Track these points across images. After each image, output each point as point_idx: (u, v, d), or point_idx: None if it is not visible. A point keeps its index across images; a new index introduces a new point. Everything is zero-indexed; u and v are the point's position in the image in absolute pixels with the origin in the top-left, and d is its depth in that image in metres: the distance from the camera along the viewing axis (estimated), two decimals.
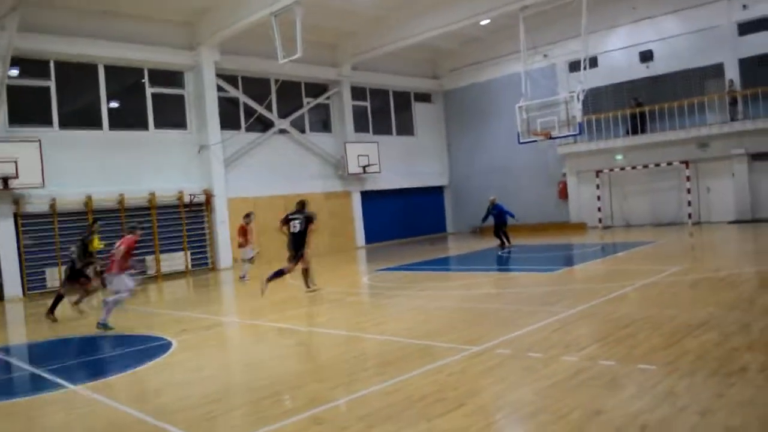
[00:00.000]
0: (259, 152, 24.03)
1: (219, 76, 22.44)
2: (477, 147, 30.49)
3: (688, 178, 23.93)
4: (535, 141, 21.66)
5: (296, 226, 13.16)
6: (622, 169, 25.62)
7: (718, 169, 23.76)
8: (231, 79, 23.31)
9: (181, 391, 6.89)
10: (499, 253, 19.67)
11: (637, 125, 24.90)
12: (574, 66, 24.89)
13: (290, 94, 25.30)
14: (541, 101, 21.16)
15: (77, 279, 12.75)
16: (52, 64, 18.93)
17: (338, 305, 12.42)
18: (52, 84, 18.95)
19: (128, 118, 20.79)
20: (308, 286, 13.64)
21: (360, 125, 27.92)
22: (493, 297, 11.78)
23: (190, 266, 21.16)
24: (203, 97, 21.78)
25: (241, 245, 17.52)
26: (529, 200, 27.60)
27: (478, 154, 30.47)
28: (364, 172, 26.39)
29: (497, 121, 28.66)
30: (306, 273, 13.64)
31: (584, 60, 19.76)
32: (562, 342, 7.50)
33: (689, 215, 23.94)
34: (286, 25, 18.59)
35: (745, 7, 22.54)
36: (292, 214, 13.37)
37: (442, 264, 18.84)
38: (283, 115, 24.92)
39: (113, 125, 20.20)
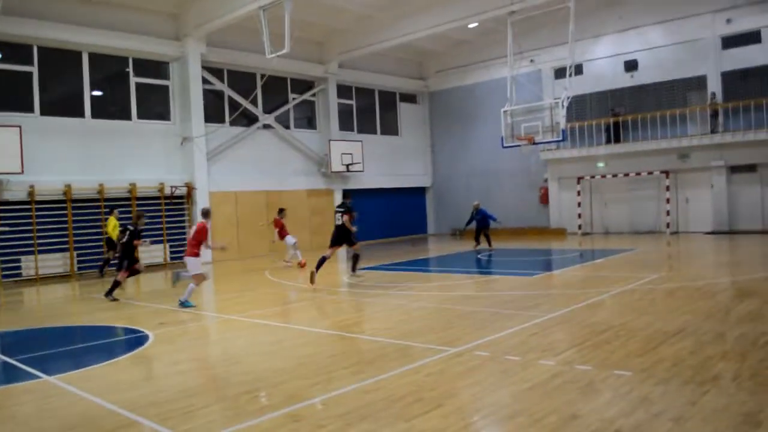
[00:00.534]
0: (242, 147, 23.91)
1: (205, 68, 22.31)
2: (461, 149, 30.59)
3: (667, 188, 24.26)
4: (519, 146, 21.78)
5: (338, 218, 14.74)
6: (603, 176, 25.87)
7: (697, 180, 24.07)
8: (217, 72, 23.18)
9: (156, 385, 6.83)
10: (479, 255, 19.76)
11: (617, 134, 25.23)
12: (560, 72, 25.08)
13: (276, 89, 25.22)
14: (525, 106, 21.30)
15: (125, 262, 13.55)
16: (35, 50, 18.68)
17: (318, 303, 12.40)
18: (34, 70, 18.69)
19: (111, 108, 20.61)
20: (354, 271, 15.13)
21: (345, 123, 27.91)
22: (472, 299, 11.82)
23: (169, 259, 21.00)
24: (188, 89, 21.62)
25: (282, 236, 19.05)
26: (510, 204, 27.77)
27: (461, 156, 30.57)
28: (348, 170, 26.36)
29: (482, 124, 28.79)
30: (356, 259, 15.14)
31: (570, 67, 19.91)
32: (539, 346, 7.55)
33: (668, 224, 24.26)
34: (275, 20, 18.51)
35: (729, 21, 22.87)
36: (338, 207, 15.08)
37: (422, 265, 18.87)
38: (268, 110, 24.83)
39: (96, 114, 20.00)
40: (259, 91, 24.16)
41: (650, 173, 24.67)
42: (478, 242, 21.56)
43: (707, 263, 16.46)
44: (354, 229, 14.61)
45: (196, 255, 12.23)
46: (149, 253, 20.24)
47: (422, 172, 31.79)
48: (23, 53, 18.53)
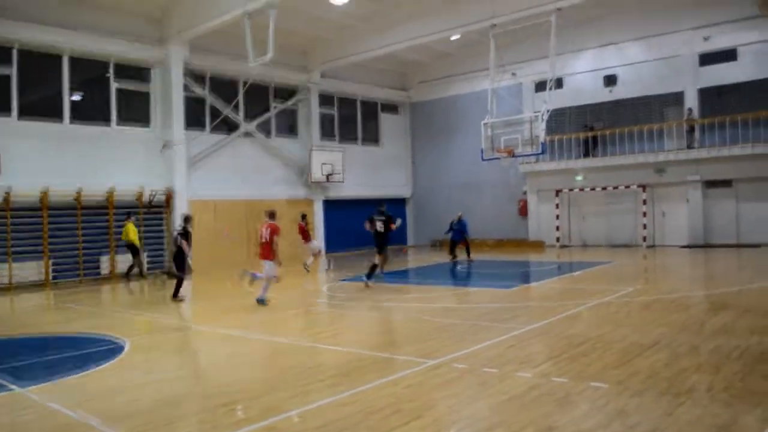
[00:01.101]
0: (223, 154, 23.80)
1: (187, 73, 22.20)
2: (441, 161, 30.72)
3: (644, 202, 24.58)
4: (499, 158, 21.90)
5: (381, 226, 15.39)
6: (582, 189, 26.12)
7: (673, 194, 24.40)
8: (199, 78, 23.08)
9: (131, 395, 6.74)
10: (459, 267, 19.82)
11: (594, 148, 25.63)
12: (540, 86, 25.28)
13: (258, 97, 25.17)
14: (506, 119, 21.43)
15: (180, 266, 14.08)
16: (15, 52, 18.42)
17: (297, 315, 12.36)
18: (13, 72, 18.41)
19: (90, 112, 20.37)
20: (368, 278, 15.33)
21: (326, 132, 27.93)
22: (450, 311, 11.85)
23: (146, 267, 20.75)
24: (169, 95, 21.48)
25: (306, 240, 19.90)
26: (489, 216, 27.92)
27: (441, 167, 30.70)
28: (328, 180, 26.35)
29: (462, 136, 28.94)
30: (374, 268, 15.42)
31: (550, 81, 20.11)
32: (517, 358, 7.59)
33: (644, 238, 24.54)
34: (259, 27, 18.51)
35: (706, 38, 23.27)
36: (377, 215, 15.55)
37: (401, 276, 18.88)
38: (249, 117, 24.76)
39: (75, 118, 19.76)
40: (241, 98, 24.09)
41: (627, 187, 24.98)
42: (453, 255, 21.63)
43: (682, 276, 16.67)
44: (394, 226, 15.54)
45: (273, 258, 12.76)
46: (126, 262, 20.00)
47: (403, 183, 31.87)
48: (3, 55, 18.24)
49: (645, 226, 24.64)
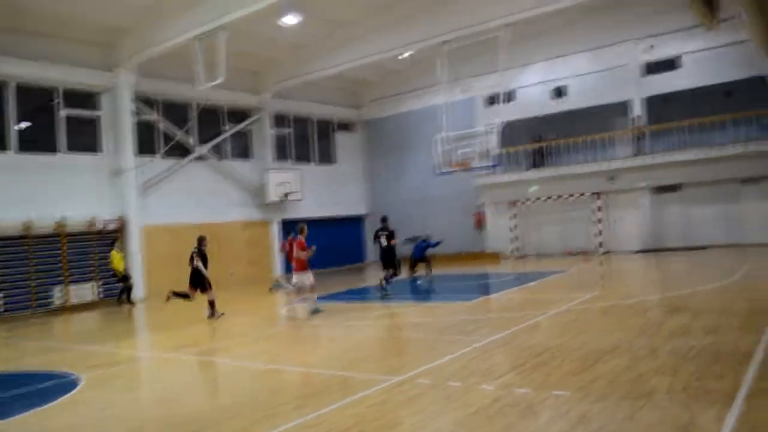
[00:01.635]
0: (176, 179, 23.45)
1: (137, 99, 21.87)
2: (397, 177, 30.86)
3: (598, 209, 25.04)
4: (453, 172, 22.10)
5: (383, 241, 15.97)
6: (536, 200, 26.51)
7: (625, 200, 24.96)
8: (149, 103, 22.77)
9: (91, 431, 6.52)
10: (419, 282, 19.83)
11: (542, 158, 26.18)
12: (492, 100, 25.71)
13: (210, 120, 24.93)
14: (459, 133, 21.68)
15: (202, 287, 14.48)
16: None
17: (256, 337, 12.19)
18: None
19: (38, 141, 19.83)
20: (384, 285, 15.99)
21: (281, 153, 27.80)
22: (412, 327, 11.84)
23: (99, 297, 20.25)
24: (119, 121, 21.12)
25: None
26: (446, 230, 27.99)
27: (398, 183, 30.83)
28: (284, 200, 26.18)
29: (417, 151, 29.12)
30: (386, 279, 16.06)
31: (501, 94, 20.42)
32: (479, 371, 7.61)
33: (599, 245, 24.98)
34: (209, 50, 18.38)
35: (650, 48, 24.01)
36: (379, 230, 16.21)
37: (361, 294, 18.82)
38: (202, 141, 24.49)
39: (22, 147, 19.23)
40: (193, 122, 23.83)
41: (581, 195, 25.45)
42: (414, 271, 21.43)
43: (637, 281, 17.01)
44: (394, 241, 16.29)
45: (304, 269, 13.74)
46: (79, 291, 19.51)
47: (360, 201, 31.87)
48: None
49: (599, 233, 25.12)
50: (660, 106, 24.30)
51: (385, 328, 11.57)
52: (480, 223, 28.18)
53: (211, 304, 14.42)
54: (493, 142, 20.21)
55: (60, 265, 19.43)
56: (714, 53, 22.82)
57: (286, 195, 26.01)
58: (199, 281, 14.49)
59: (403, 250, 21.13)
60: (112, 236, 20.81)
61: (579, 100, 25.82)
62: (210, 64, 18.44)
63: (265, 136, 26.74)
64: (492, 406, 6.08)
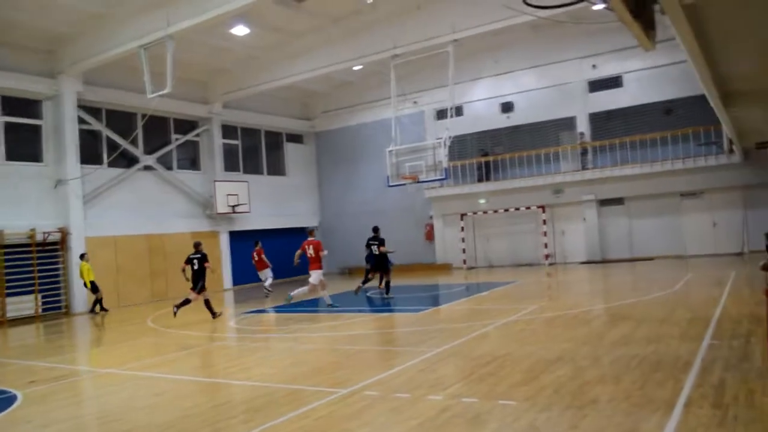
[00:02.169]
0: (122, 189, 22.92)
1: (81, 107, 21.33)
2: (348, 189, 30.86)
3: (544, 222, 25.57)
4: (404, 184, 22.21)
5: (375, 249, 17.68)
6: (485, 212, 26.87)
7: (571, 213, 25.52)
8: (94, 111, 22.23)
9: None
10: (368, 294, 19.79)
11: (488, 173, 26.61)
12: (441, 114, 25.96)
13: (158, 129, 24.48)
14: (409, 146, 21.78)
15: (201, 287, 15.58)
16: None
17: (203, 351, 11.96)
18: None
19: None
20: (387, 293, 17.77)
21: (230, 164, 27.48)
22: (361, 338, 11.80)
23: (40, 310, 19.60)
24: (62, 129, 20.55)
25: (260, 269, 21.72)
26: (397, 241, 27.96)
27: (349, 195, 30.82)
28: (234, 211, 25.87)
29: (368, 163, 29.21)
30: (386, 284, 17.90)
31: (450, 108, 20.64)
32: (427, 381, 7.62)
33: (546, 256, 25.46)
34: (156, 59, 18.04)
35: (594, 66, 24.73)
36: (371, 239, 17.93)
37: (311, 306, 18.67)
38: (149, 151, 24.02)
39: None
40: (139, 132, 23.37)
41: (528, 208, 25.92)
42: (366, 281, 21.36)
43: (583, 292, 17.36)
44: (383, 249, 17.64)
45: (320, 268, 16.01)
46: (18, 305, 18.87)
47: (310, 212, 31.72)
48: None
49: (546, 245, 25.61)
50: (603, 122, 25.02)
51: (332, 340, 11.49)
52: (431, 235, 28.39)
53: (207, 303, 15.71)
54: (442, 155, 20.36)
55: None
56: (654, 72, 23.65)
57: (233, 207, 25.70)
58: (198, 282, 15.53)
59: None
60: (55, 248, 20.25)
61: (526, 115, 26.37)
62: (157, 74, 18.11)
63: (213, 146, 26.40)
64: (439, 417, 6.09)
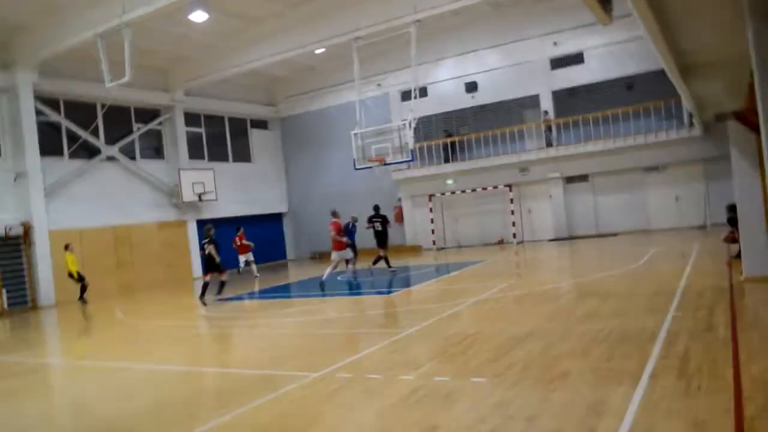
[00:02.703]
0: (85, 181, 22.51)
1: (38, 99, 20.82)
2: (315, 173, 30.73)
3: (511, 200, 25.78)
4: (371, 167, 22.17)
5: (379, 225, 18.63)
6: (453, 193, 27.00)
7: (537, 191, 25.79)
8: (52, 103, 21.74)
9: None
10: (338, 277, 19.81)
11: (455, 153, 26.82)
12: (406, 95, 25.94)
13: (119, 119, 24.07)
14: (375, 128, 21.70)
15: (216, 270, 16.13)
16: None
17: (175, 339, 11.88)
18: None
19: None
20: (389, 266, 18.71)
21: (195, 152, 27.16)
22: (333, 322, 11.84)
23: (5, 305, 19.26)
24: (19, 122, 20.06)
25: (242, 252, 22.35)
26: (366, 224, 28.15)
27: (316, 179, 30.71)
28: (200, 200, 25.61)
29: (334, 147, 29.08)
30: (386, 259, 18.83)
31: (415, 90, 20.62)
32: (400, 362, 7.69)
33: (514, 235, 25.74)
34: (114, 48, 17.64)
35: (555, 44, 24.85)
36: (373, 217, 18.83)
37: (282, 291, 18.66)
38: (111, 141, 23.60)
39: None
40: (100, 122, 22.93)
41: (495, 187, 26.10)
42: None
43: (551, 269, 17.61)
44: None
45: (343, 248, 16.93)
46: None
47: (278, 198, 31.55)
48: None
49: (514, 224, 25.86)
50: (566, 99, 25.23)
51: (304, 325, 11.51)
52: (400, 217, 28.45)
53: (222, 284, 16.21)
54: (408, 136, 20.36)
55: None
56: (614, 48, 23.84)
57: (200, 195, 25.44)
58: (212, 265, 16.02)
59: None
60: (17, 242, 19.88)
61: (490, 94, 26.47)
62: (116, 62, 17.70)
63: (177, 135, 26.04)
64: (412, 396, 6.16)
